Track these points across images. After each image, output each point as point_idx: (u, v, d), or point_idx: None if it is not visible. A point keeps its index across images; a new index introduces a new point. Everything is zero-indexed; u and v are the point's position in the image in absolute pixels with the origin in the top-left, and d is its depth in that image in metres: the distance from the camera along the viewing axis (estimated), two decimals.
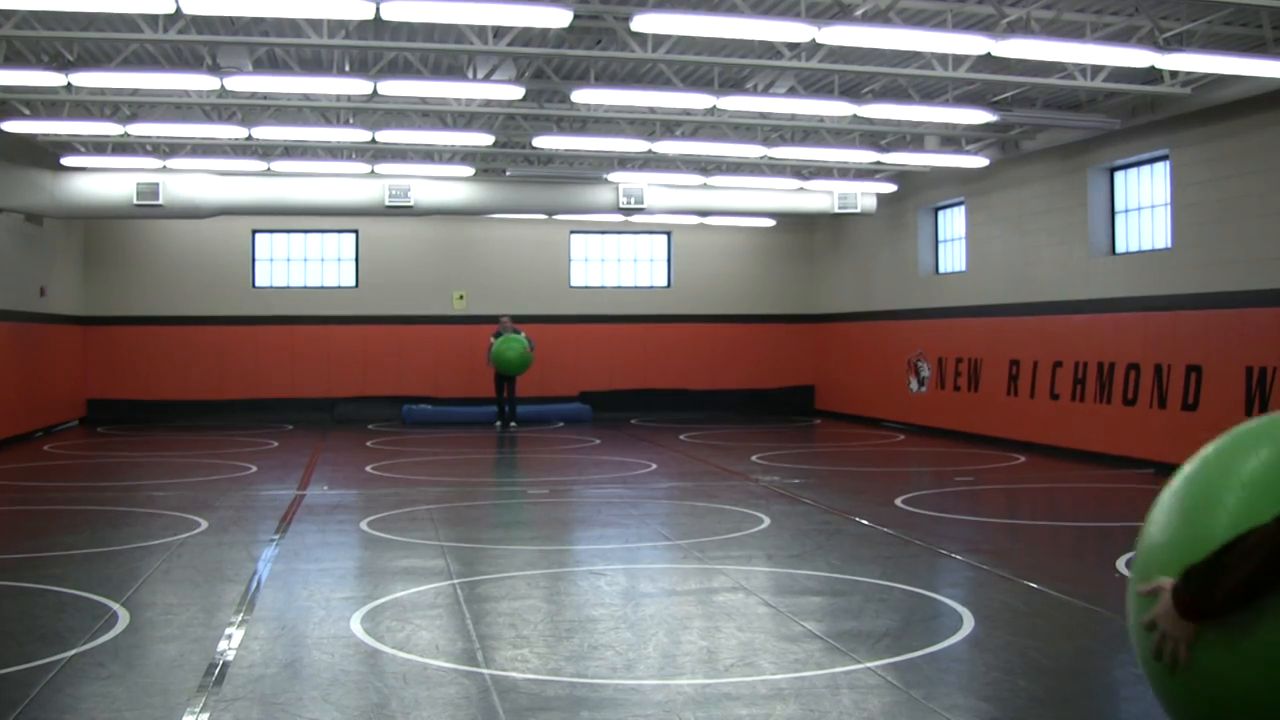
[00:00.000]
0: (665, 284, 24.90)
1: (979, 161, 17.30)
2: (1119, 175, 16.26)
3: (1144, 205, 15.81)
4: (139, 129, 14.81)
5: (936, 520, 10.94)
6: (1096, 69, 12.46)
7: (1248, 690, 2.15)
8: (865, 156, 17.06)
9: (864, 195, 20.59)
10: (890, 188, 20.25)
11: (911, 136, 17.05)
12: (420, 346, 23.44)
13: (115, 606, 7.31)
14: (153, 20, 10.66)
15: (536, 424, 21.57)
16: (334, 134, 15.24)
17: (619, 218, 21.76)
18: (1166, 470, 13.32)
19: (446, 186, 19.08)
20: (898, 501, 11.72)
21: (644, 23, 10.14)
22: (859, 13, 10.76)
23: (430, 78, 12.89)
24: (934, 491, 12.61)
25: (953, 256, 20.47)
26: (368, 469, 14.83)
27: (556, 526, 10.72)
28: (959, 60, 12.24)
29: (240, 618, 7.08)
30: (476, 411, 22.13)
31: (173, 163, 17.33)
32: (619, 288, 24.69)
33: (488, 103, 14.44)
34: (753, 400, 24.58)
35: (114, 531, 10.15)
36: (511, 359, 20.34)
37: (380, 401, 23.01)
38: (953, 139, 17.37)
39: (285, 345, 23.01)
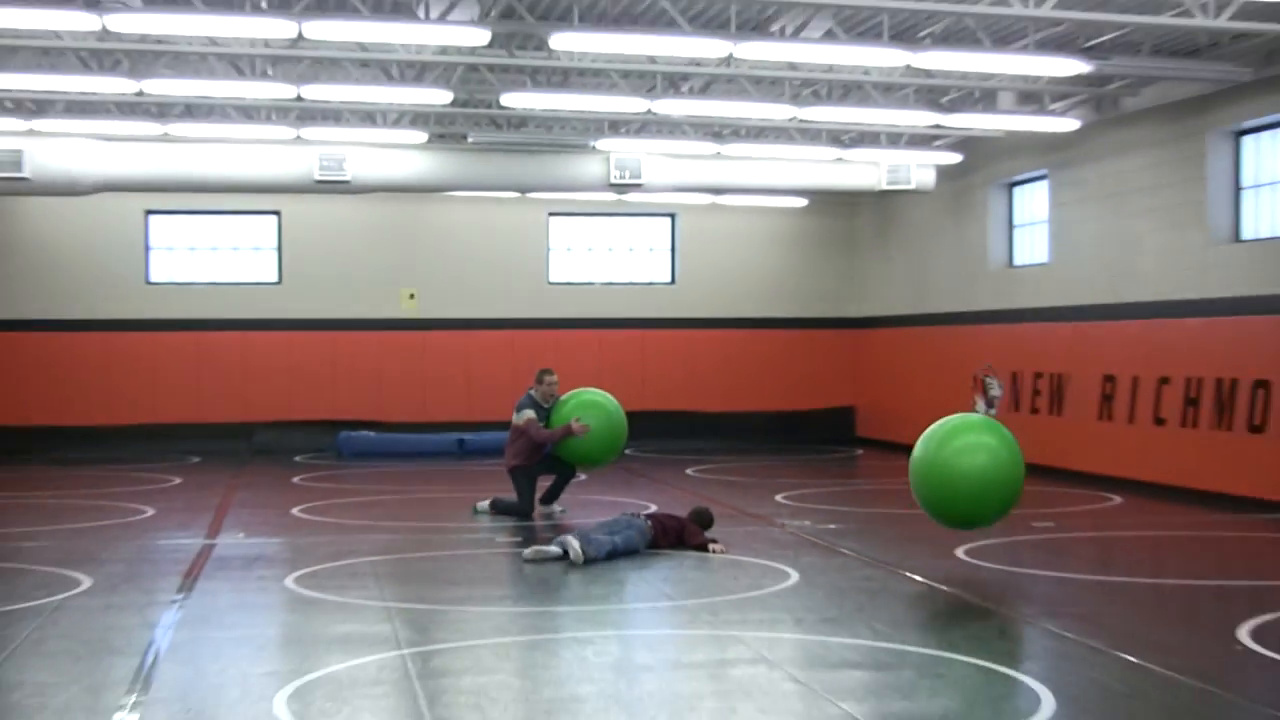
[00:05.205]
0: (668, 280, 24.98)
1: (1067, 124, 17.39)
2: (1248, 141, 16.35)
3: (1278, 179, 15.91)
4: None
5: (1008, 576, 10.95)
6: (1221, 4, 12.49)
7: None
8: (921, 118, 17.14)
9: (920, 168, 20.66)
10: (953, 158, 20.34)
11: (981, 93, 17.15)
12: (360, 358, 23.49)
13: None
14: None
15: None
16: (249, 89, 15.30)
17: (610, 196, 21.83)
18: None
19: (392, 157, 19.14)
20: (959, 552, 11.73)
21: None
22: None
23: (370, 17, 12.95)
24: (1005, 540, 12.55)
25: (1031, 245, 20.54)
26: (294, 512, 14.83)
27: (531, 583, 10.70)
28: None
29: (133, 699, 7.10)
30: (431, 440, 22.16)
31: (41, 124, 17.37)
32: (610, 285, 24.77)
33: (444, 50, 14.51)
34: (778, 426, 24.64)
35: None
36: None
37: (310, 427, 23.03)
38: (1033, 96, 17.46)
39: (189, 356, 23.06)
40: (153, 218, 23.40)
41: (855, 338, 25.00)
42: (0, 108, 17.00)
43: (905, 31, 14.56)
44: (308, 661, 7.95)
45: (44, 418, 22.59)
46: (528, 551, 11.44)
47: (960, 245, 21.78)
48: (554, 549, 11.31)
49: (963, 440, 10.95)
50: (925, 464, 10.92)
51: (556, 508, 14.49)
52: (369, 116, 18.11)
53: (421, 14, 13.54)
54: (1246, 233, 16.32)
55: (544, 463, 14.45)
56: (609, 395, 14.54)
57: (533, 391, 14.49)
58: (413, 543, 12.69)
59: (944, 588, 10.24)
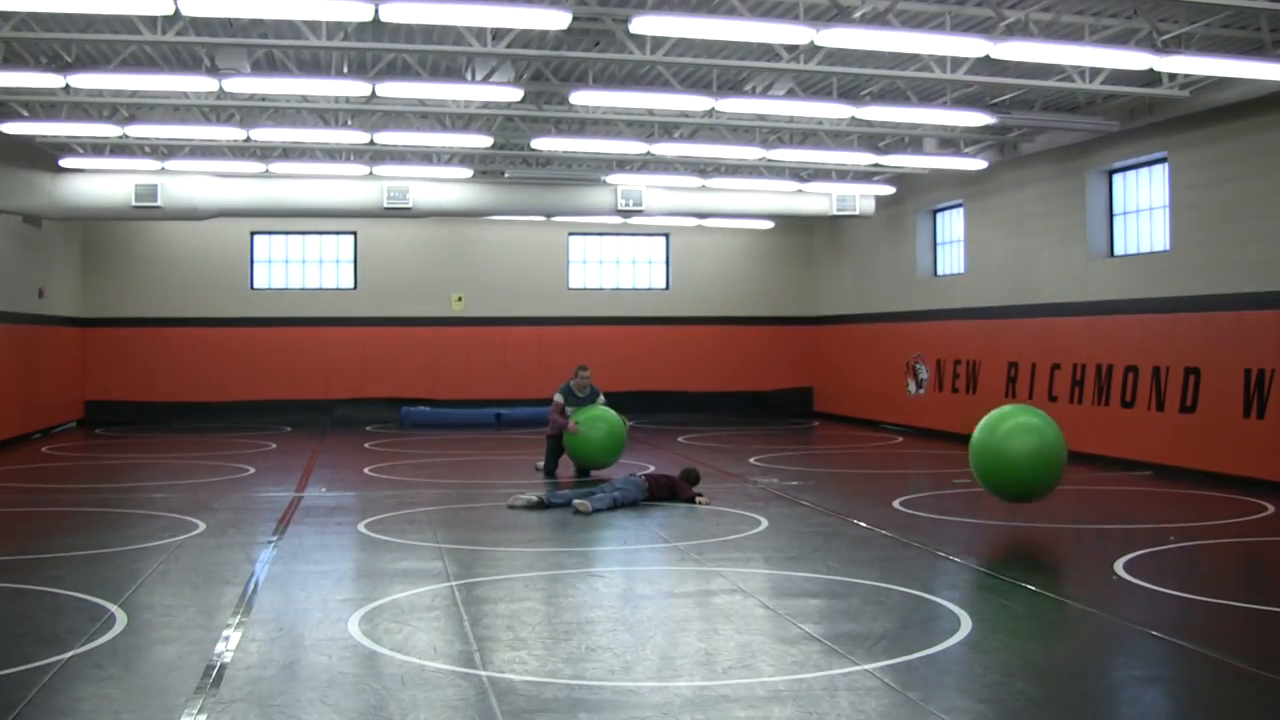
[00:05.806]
0: (664, 286, 24.88)
1: (977, 164, 17.31)
2: (1117, 178, 16.28)
3: (1142, 208, 15.83)
4: (137, 130, 14.81)
5: (934, 522, 10.91)
6: (1095, 71, 12.49)
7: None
8: (863, 159, 17.05)
9: (862, 197, 20.58)
10: (889, 190, 20.25)
11: (910, 139, 17.06)
12: (418, 348, 23.41)
13: (113, 608, 7.30)
14: (151, 22, 10.68)
15: (533, 425, 21.52)
16: (332, 135, 15.22)
17: (617, 220, 21.72)
18: (1164, 472, 13.18)
19: (445, 188, 19.06)
20: (896, 504, 11.68)
21: (643, 24, 10.14)
22: (857, 15, 10.77)
23: (429, 79, 12.88)
24: (932, 494, 12.56)
25: (951, 259, 20.46)
26: (366, 471, 14.79)
27: (553, 528, 10.67)
28: (957, 62, 12.25)
29: (238, 620, 7.07)
30: (474, 414, 22.10)
31: (171, 164, 17.32)
32: (617, 289, 24.66)
33: (486, 104, 14.43)
34: (751, 402, 24.55)
35: (112, 533, 10.13)
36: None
37: (378, 403, 22.98)
38: (951, 141, 17.37)
39: (284, 347, 22.98)
40: (256, 237, 23.30)
41: (812, 332, 24.91)
42: (141, 151, 16.95)
43: (850, 91, 14.47)
44: (375, 590, 7.91)
45: (169, 395, 22.55)
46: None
47: (895, 258, 21.69)
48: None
49: (1013, 422, 10.20)
50: (984, 448, 10.16)
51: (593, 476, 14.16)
52: (427, 157, 18.00)
53: (469, 77, 13.47)
54: (1118, 250, 16.24)
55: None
56: (616, 415, 14.09)
57: (571, 382, 14.35)
58: (460, 496, 12.67)
59: (884, 532, 10.21)
